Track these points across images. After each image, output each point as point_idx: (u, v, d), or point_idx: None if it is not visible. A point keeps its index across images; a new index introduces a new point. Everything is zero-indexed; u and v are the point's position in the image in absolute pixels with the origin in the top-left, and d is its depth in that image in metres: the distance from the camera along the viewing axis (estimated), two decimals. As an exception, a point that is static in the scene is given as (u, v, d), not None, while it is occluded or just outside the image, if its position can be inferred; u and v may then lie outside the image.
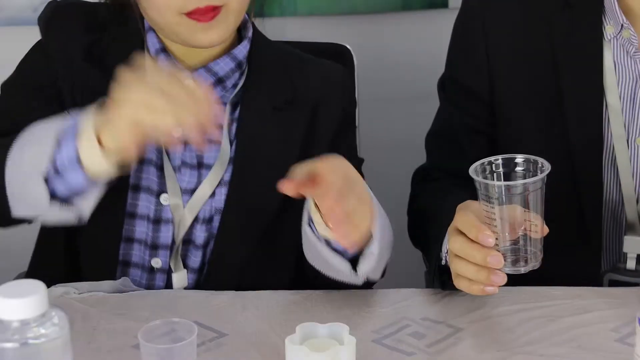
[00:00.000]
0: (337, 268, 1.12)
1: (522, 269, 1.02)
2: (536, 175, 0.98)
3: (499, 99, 1.31)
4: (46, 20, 1.32)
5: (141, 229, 1.26)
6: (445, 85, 1.39)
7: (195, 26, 1.17)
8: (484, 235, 0.98)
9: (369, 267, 1.12)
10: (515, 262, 1.02)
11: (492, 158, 1.01)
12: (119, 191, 1.23)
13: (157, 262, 1.26)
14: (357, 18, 1.86)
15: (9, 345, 0.81)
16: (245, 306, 1.13)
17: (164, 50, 1.27)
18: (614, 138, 1.26)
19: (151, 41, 1.28)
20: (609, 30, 1.25)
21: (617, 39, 1.25)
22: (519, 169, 1.01)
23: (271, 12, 1.83)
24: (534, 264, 1.02)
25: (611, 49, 1.25)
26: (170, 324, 0.95)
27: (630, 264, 1.24)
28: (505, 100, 1.31)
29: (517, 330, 1.05)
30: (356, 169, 1.32)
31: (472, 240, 1.00)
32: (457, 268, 1.04)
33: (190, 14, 1.15)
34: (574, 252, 1.15)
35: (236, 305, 1.13)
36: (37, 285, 0.82)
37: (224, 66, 1.27)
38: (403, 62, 1.80)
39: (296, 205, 1.15)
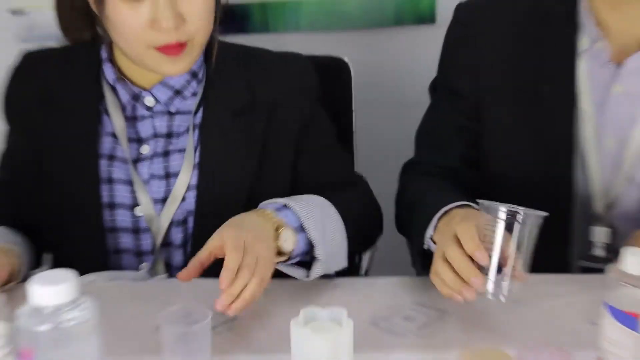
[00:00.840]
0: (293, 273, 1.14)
1: (502, 297, 1.00)
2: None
3: (483, 100, 1.32)
4: (10, 72, 1.32)
5: (125, 240, 1.26)
6: (436, 87, 1.41)
7: (164, 58, 1.16)
8: (480, 253, 0.97)
9: (320, 269, 1.13)
10: (497, 286, 1.00)
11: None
12: (94, 210, 1.25)
13: (145, 267, 1.26)
14: (354, 33, 1.87)
15: (43, 328, 0.83)
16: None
17: (121, 78, 1.26)
18: (585, 140, 1.28)
19: (107, 72, 1.26)
20: (584, 42, 1.26)
21: (591, 50, 1.26)
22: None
23: (275, 27, 1.85)
24: (511, 295, 1.01)
25: (585, 59, 1.26)
26: (187, 309, 0.96)
27: (599, 252, 1.26)
28: (489, 102, 1.32)
29: (497, 313, 1.07)
30: (334, 165, 1.35)
31: (465, 252, 0.99)
32: (438, 268, 1.04)
33: (159, 48, 1.14)
34: (547, 241, 1.18)
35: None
36: (69, 273, 0.84)
37: (179, 79, 1.25)
38: (395, 72, 1.83)
39: (262, 200, 1.19)
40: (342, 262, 1.19)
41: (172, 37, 1.13)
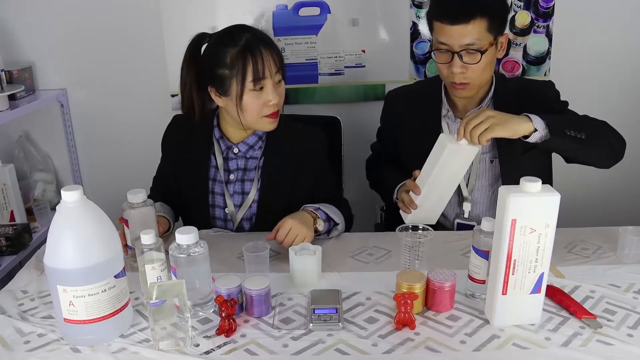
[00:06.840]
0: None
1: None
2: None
3: (398, 139, 1.34)
4: (167, 127, 1.28)
5: (220, 224, 1.23)
6: (379, 133, 1.44)
7: (268, 121, 1.13)
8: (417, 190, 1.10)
9: (335, 232, 1.14)
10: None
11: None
12: (205, 207, 1.22)
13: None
14: (343, 104, 1.80)
15: (181, 255, 0.86)
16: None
17: (222, 137, 1.21)
18: None
19: (215, 132, 1.21)
20: (443, 111, 1.28)
21: (446, 115, 1.28)
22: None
23: (302, 101, 1.80)
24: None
25: (444, 119, 1.28)
26: (256, 244, 0.98)
27: (467, 216, 1.26)
28: (400, 139, 1.33)
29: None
30: (331, 182, 1.29)
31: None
32: (405, 199, 1.13)
33: (267, 116, 1.12)
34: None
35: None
36: (194, 228, 0.88)
37: (252, 140, 1.20)
38: (364, 124, 1.68)
39: (292, 209, 1.15)
40: (342, 230, 1.18)
41: (274, 109, 1.12)
